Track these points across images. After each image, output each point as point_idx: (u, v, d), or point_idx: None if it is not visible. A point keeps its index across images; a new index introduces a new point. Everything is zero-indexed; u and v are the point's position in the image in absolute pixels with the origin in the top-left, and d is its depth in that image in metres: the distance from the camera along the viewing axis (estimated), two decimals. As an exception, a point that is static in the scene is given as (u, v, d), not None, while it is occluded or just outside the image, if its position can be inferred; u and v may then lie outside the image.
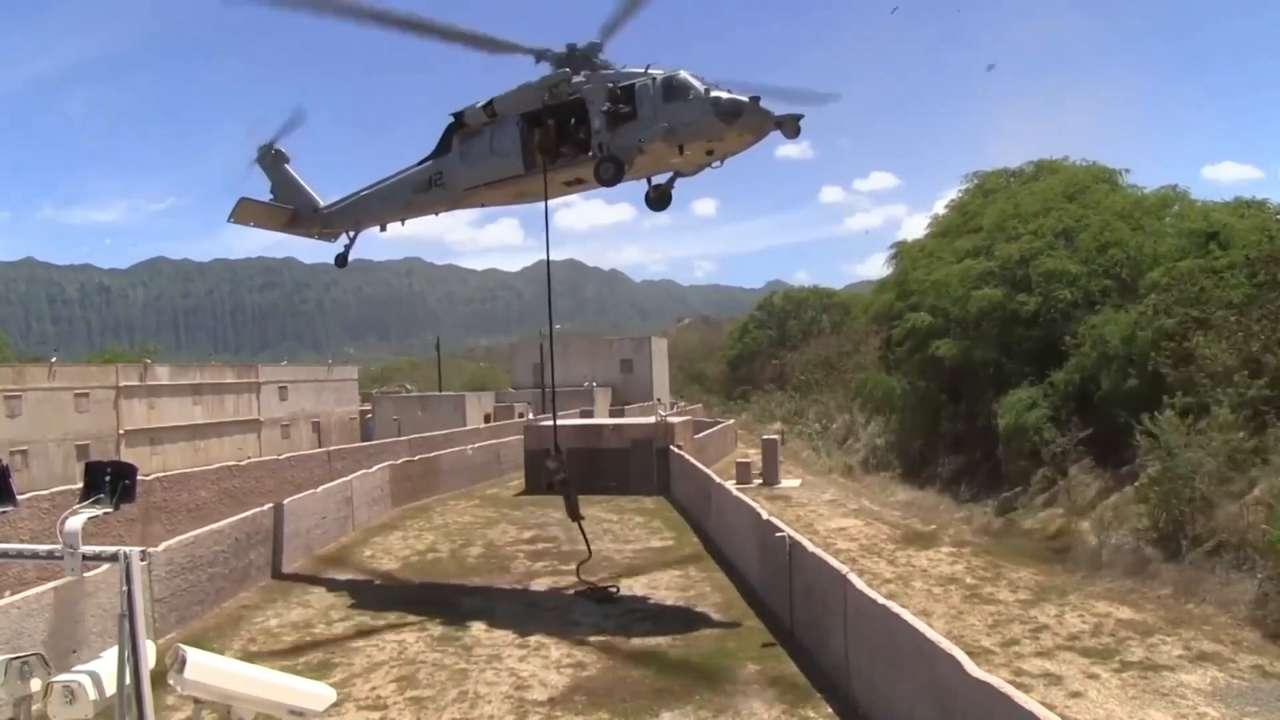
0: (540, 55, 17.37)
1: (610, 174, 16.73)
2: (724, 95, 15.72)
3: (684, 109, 15.93)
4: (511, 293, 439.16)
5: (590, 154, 16.97)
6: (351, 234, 21.80)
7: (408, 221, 21.26)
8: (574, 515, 18.66)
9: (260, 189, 22.17)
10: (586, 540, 19.15)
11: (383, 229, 21.52)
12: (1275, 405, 18.70)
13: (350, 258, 22.20)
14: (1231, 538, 16.72)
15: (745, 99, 15.54)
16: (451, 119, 18.88)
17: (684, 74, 16.23)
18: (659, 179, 18.30)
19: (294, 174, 22.06)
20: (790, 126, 15.46)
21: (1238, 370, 19.44)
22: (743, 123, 15.64)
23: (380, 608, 17.56)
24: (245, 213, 21.30)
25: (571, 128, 17.34)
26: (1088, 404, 23.32)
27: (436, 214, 20.72)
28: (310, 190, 21.96)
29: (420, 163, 19.65)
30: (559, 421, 38.62)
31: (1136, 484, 19.53)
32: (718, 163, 16.86)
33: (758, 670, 13.30)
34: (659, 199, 18.53)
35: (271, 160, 21.92)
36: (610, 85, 16.64)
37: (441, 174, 19.18)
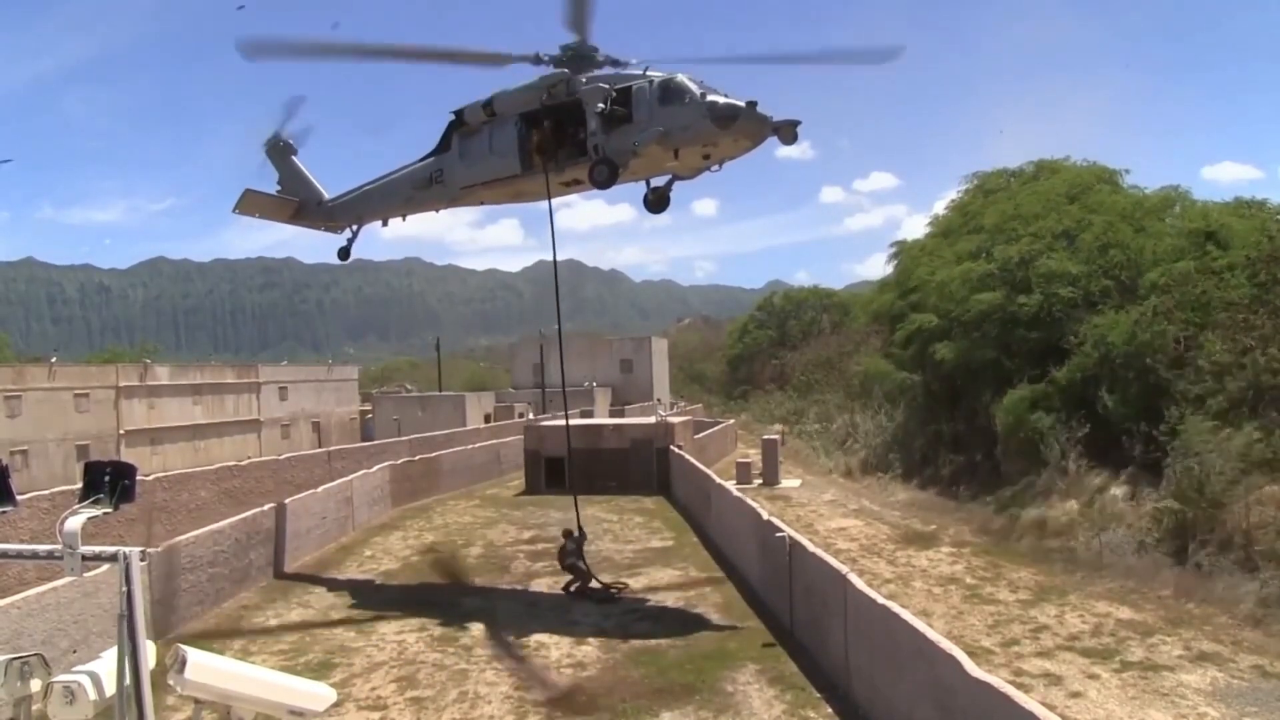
0: (537, 60, 17.34)
1: (604, 177, 16.67)
2: (720, 100, 15.58)
3: (680, 113, 15.83)
4: (511, 293, 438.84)
5: (587, 156, 16.94)
6: (355, 228, 21.86)
7: (409, 220, 21.37)
8: (577, 593, 18.11)
9: (272, 182, 22.34)
10: (608, 590, 18.28)
11: (384, 224, 21.59)
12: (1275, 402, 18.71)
13: (353, 253, 22.29)
14: (1236, 538, 16.73)
15: (742, 104, 15.39)
16: (452, 117, 18.91)
17: (681, 77, 16.14)
18: (657, 181, 18.27)
19: (301, 166, 22.13)
20: (788, 132, 15.34)
21: (1235, 367, 19.47)
22: (739, 128, 15.53)
23: (380, 608, 17.56)
24: (251, 204, 21.37)
25: (569, 129, 17.31)
26: (1089, 404, 23.31)
27: (437, 211, 20.76)
28: (316, 183, 22.03)
29: (422, 159, 19.69)
30: (559, 422, 38.59)
31: (1159, 494, 19.43)
32: (716, 166, 16.78)
33: (758, 670, 13.30)
34: (657, 201, 18.48)
35: (280, 152, 21.97)
36: (607, 87, 16.60)
37: (442, 171, 19.21)
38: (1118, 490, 21.26)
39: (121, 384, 53.43)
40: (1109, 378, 22.66)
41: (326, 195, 21.83)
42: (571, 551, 18.20)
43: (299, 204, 21.91)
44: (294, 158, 22.07)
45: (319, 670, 13.53)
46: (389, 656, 14.61)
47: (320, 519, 23.56)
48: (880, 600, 11.03)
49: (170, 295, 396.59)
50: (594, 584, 18.09)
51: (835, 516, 27.42)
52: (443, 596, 18.58)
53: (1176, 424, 19.35)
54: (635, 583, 19.03)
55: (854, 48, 16.50)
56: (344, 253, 22.19)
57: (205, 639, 14.94)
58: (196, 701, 5.13)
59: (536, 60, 17.31)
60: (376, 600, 18.33)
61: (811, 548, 14.18)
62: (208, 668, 5.02)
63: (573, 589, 18.15)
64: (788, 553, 14.91)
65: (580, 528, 18.51)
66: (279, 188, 22.08)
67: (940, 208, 57.95)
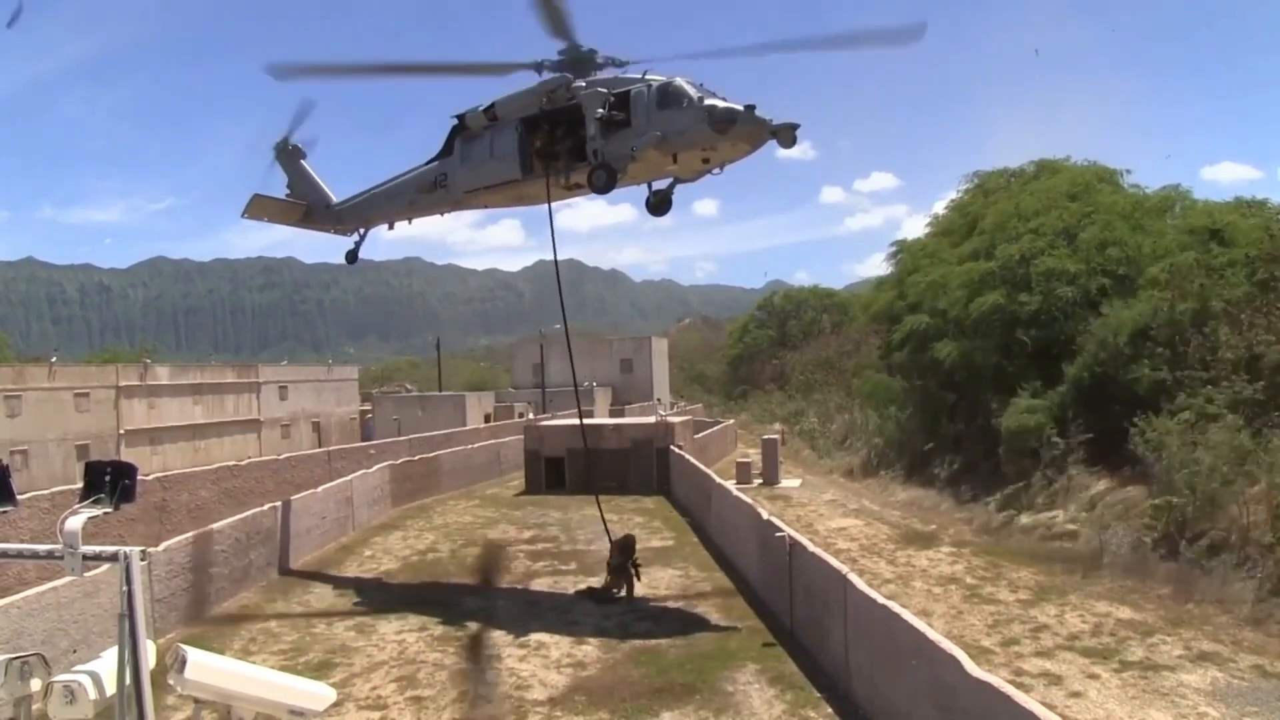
0: (539, 67, 17.33)
1: (603, 182, 16.64)
2: (719, 104, 15.52)
3: (677, 117, 15.79)
4: (511, 293, 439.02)
5: (587, 160, 16.93)
6: (362, 231, 21.92)
7: (414, 221, 21.38)
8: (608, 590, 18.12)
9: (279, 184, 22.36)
10: (608, 590, 18.21)
11: (390, 227, 21.63)
12: (1275, 402, 18.70)
13: (359, 254, 22.36)
14: (1233, 537, 16.72)
15: (740, 108, 15.34)
16: (455, 121, 18.92)
17: (679, 81, 16.09)
18: (659, 184, 18.24)
19: (309, 170, 22.16)
20: (786, 136, 15.29)
21: (1242, 364, 19.46)
22: (737, 132, 15.48)
23: (380, 608, 17.58)
24: (259, 208, 21.43)
25: (569, 133, 17.30)
26: (1092, 402, 23.28)
27: (442, 214, 20.78)
28: (324, 186, 22.06)
29: (426, 163, 19.74)
30: (559, 422, 38.65)
31: (1152, 492, 19.44)
32: (717, 169, 16.77)
33: (758, 670, 13.31)
34: (659, 204, 18.43)
35: (288, 155, 22.01)
36: (605, 91, 16.58)
37: (445, 175, 19.25)
38: (1118, 490, 21.25)
39: (121, 384, 53.41)
40: (1117, 372, 22.55)
41: (334, 198, 21.87)
42: (626, 561, 17.87)
43: (307, 207, 21.97)
44: (303, 161, 22.13)
45: (319, 670, 13.54)
46: (389, 656, 14.62)
47: (320, 519, 23.57)
48: (880, 600, 11.04)
49: (170, 295, 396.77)
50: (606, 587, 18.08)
51: (835, 516, 27.42)
52: (443, 596, 18.58)
53: (1146, 426, 19.34)
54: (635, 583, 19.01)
55: (873, 29, 16.21)
56: (351, 256, 22.29)
57: (205, 639, 14.96)
58: (196, 701, 5.15)
59: (538, 68, 17.31)
60: (376, 600, 18.34)
61: (811, 548, 14.19)
62: (208, 667, 5.04)
63: (608, 589, 18.03)
64: (788, 552, 14.92)
65: (628, 538, 18.44)
66: (288, 191, 22.15)
67: (940, 208, 57.86)
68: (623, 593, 17.90)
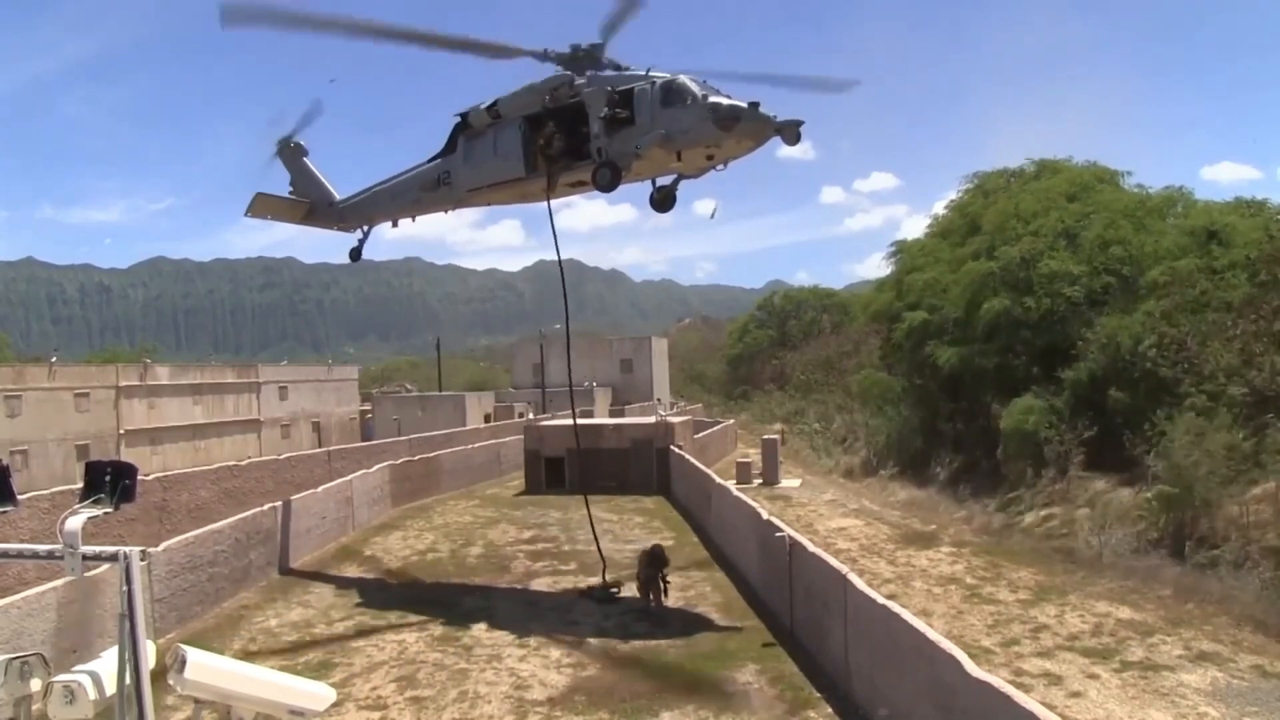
0: (544, 56, 17.32)
1: (607, 180, 16.63)
2: (723, 102, 15.52)
3: (682, 115, 15.78)
4: (511, 293, 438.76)
5: (591, 158, 16.91)
6: (365, 229, 21.90)
7: (415, 219, 21.36)
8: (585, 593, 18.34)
9: (280, 182, 22.39)
10: (608, 590, 18.26)
11: (394, 224, 21.61)
12: (1275, 403, 18.71)
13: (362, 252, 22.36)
14: (1234, 537, 16.73)
15: (744, 105, 15.36)
16: (458, 119, 18.90)
17: (683, 79, 16.07)
18: (663, 180, 18.24)
19: (312, 167, 22.16)
20: (790, 133, 15.28)
21: (1239, 369, 19.47)
22: (741, 129, 15.48)
23: (380, 608, 17.57)
24: (262, 207, 21.44)
25: (572, 131, 17.28)
26: (1093, 405, 23.28)
27: (445, 212, 20.77)
28: (327, 184, 22.06)
29: (429, 161, 19.72)
30: (558, 422, 38.64)
31: (1143, 489, 19.48)
32: (721, 166, 16.77)
33: (758, 670, 13.31)
34: (663, 200, 18.43)
35: (291, 153, 22.01)
36: (609, 90, 16.55)
37: (449, 173, 19.22)
38: (1118, 490, 21.26)
39: (121, 384, 53.36)
40: (1116, 379, 22.58)
41: (337, 196, 21.86)
42: (649, 573, 17.24)
43: (310, 205, 21.96)
44: (305, 159, 22.13)
45: (319, 670, 13.54)
46: (389, 656, 14.62)
47: (320, 519, 23.56)
48: (880, 600, 11.04)
49: (170, 295, 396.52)
50: (613, 589, 18.05)
51: (835, 516, 27.41)
52: (443, 596, 18.58)
53: (1162, 425, 19.35)
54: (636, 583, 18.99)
55: (815, 76, 16.71)
56: (355, 253, 22.29)
57: (205, 639, 14.95)
58: (196, 701, 5.15)
59: (544, 56, 17.28)
60: (376, 600, 18.33)
61: (811, 548, 14.18)
62: (208, 667, 5.03)
63: (607, 587, 18.01)
64: (788, 552, 14.91)
65: (657, 549, 17.80)
66: (291, 189, 22.15)
67: (940, 208, 57.78)
68: (621, 593, 17.89)
